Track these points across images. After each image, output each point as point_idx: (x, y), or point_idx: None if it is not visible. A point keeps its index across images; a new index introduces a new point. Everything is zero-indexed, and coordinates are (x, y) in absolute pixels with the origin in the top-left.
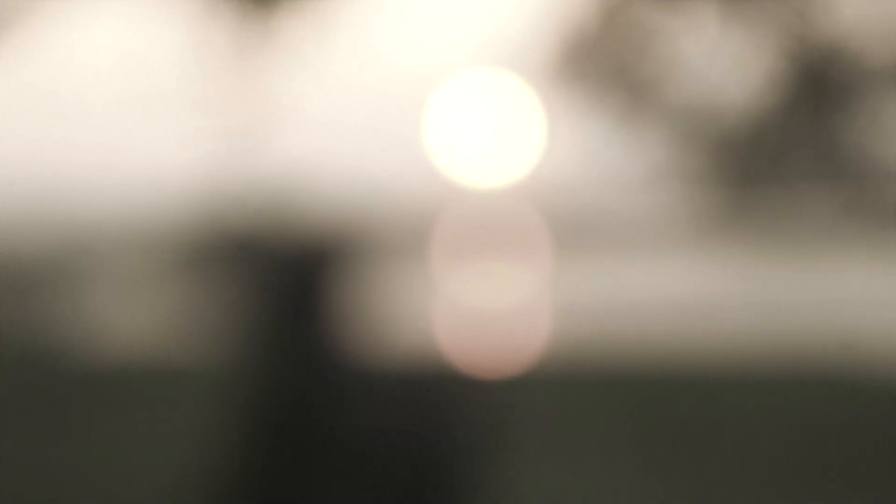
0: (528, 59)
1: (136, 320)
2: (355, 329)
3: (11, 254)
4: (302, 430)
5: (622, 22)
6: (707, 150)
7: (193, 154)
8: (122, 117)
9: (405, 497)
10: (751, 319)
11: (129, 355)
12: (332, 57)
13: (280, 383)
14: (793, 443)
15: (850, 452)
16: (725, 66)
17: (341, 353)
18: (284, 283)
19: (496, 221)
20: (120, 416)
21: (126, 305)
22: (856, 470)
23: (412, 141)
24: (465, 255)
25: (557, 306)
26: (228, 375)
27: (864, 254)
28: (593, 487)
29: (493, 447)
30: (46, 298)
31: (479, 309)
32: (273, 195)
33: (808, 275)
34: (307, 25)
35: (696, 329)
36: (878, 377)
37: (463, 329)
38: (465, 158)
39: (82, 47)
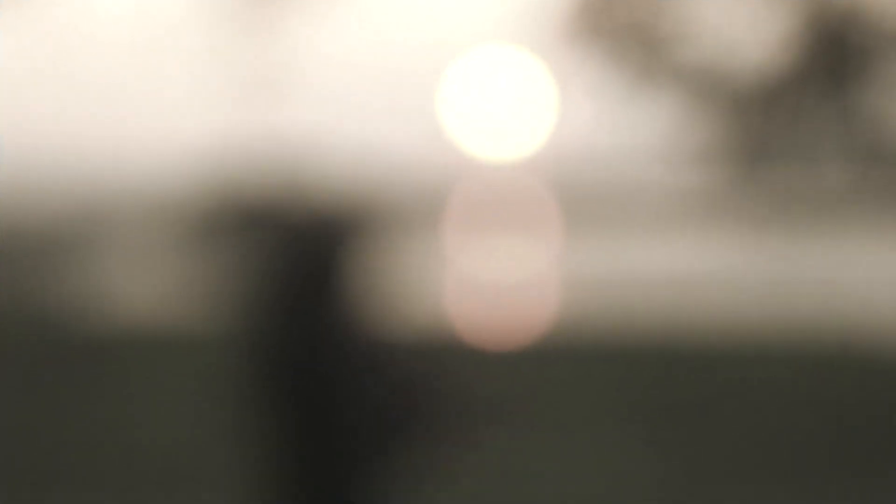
0: (544, 24)
1: (147, 288)
2: (367, 300)
3: (26, 221)
4: (311, 401)
5: None
6: (720, 116)
7: (207, 122)
8: (135, 84)
9: (414, 467)
10: (758, 296)
11: (139, 323)
12: (347, 29)
13: (290, 354)
14: (797, 418)
15: (853, 430)
16: (741, 26)
17: (352, 323)
18: (296, 253)
19: (508, 195)
20: (129, 383)
21: (138, 273)
22: (860, 447)
23: (426, 113)
24: (477, 228)
25: (567, 280)
26: (238, 345)
27: (875, 232)
28: (598, 459)
29: (501, 418)
30: (59, 266)
31: (489, 282)
32: (286, 165)
33: (817, 252)
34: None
35: (703, 305)
36: (883, 356)
37: (473, 301)
38: (478, 132)
39: (94, 11)
